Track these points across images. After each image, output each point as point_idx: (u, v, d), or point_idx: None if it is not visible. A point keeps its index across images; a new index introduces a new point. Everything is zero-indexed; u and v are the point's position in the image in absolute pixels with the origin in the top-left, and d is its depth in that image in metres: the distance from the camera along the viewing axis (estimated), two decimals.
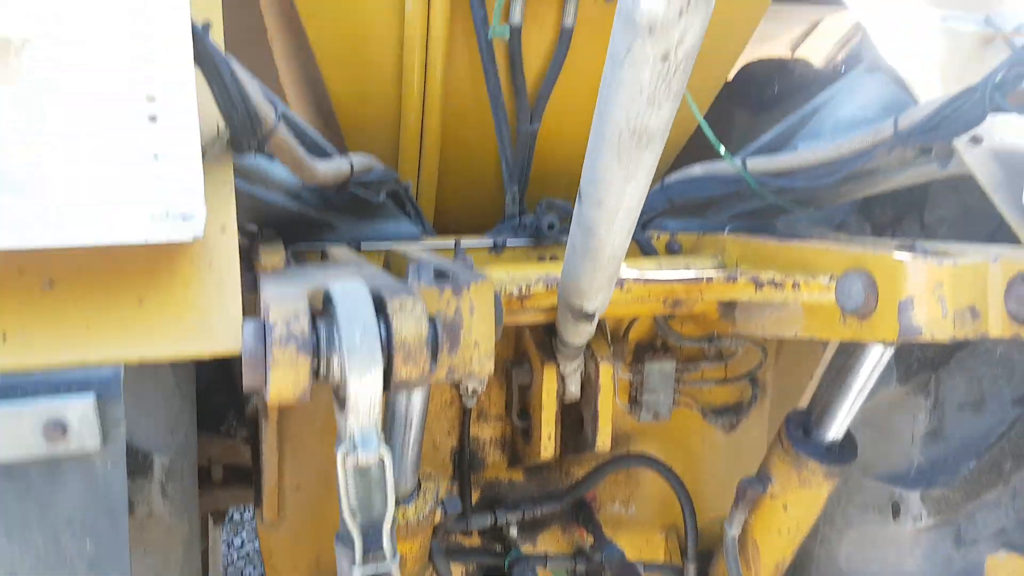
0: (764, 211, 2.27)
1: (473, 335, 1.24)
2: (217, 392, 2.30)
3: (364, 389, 1.04)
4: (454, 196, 2.40)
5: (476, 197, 2.41)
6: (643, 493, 2.51)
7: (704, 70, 2.31)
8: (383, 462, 1.07)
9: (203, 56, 1.19)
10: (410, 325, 1.07)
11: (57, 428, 1.06)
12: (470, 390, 2.10)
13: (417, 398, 1.56)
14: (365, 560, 1.10)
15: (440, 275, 1.34)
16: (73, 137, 1.12)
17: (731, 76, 3.01)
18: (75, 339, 1.12)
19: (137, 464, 1.50)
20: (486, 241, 2.11)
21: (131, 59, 1.15)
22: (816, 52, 3.77)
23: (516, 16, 2.01)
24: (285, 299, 1.07)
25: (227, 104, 1.28)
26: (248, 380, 1.04)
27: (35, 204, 1.14)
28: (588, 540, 2.38)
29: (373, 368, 1.03)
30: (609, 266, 1.42)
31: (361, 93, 2.17)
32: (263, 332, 1.04)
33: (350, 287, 1.09)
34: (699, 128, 2.49)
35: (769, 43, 3.63)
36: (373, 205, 2.00)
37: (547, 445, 2.05)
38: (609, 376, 2.04)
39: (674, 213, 2.28)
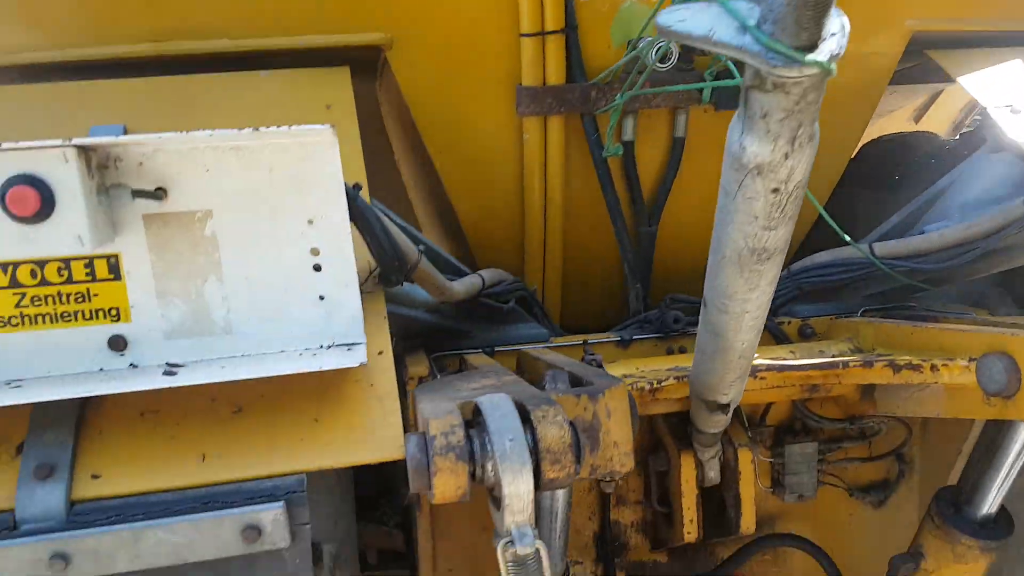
0: (896, 292, 2.26)
1: (612, 436, 1.34)
2: (369, 484, 2.47)
3: (517, 490, 1.16)
4: (578, 297, 2.53)
5: (599, 296, 2.54)
6: (792, 570, 2.49)
7: (826, 153, 2.36)
8: (539, 553, 1.17)
9: (356, 212, 1.39)
10: (553, 431, 1.19)
11: (253, 532, 1.23)
12: (608, 476, 2.16)
13: (561, 491, 1.65)
14: None
15: (576, 381, 1.45)
16: (254, 288, 1.36)
17: (855, 153, 3.02)
18: (263, 455, 1.31)
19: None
20: (613, 337, 2.21)
21: (297, 220, 1.36)
22: (939, 123, 3.70)
23: (628, 133, 2.17)
24: (441, 413, 1.21)
25: (378, 250, 1.50)
26: (414, 485, 1.19)
27: (226, 345, 1.36)
28: None
29: (523, 472, 1.15)
30: (739, 364, 1.49)
31: (486, 211, 2.36)
32: (424, 443, 1.18)
33: (497, 400, 1.22)
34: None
35: (890, 117, 3.60)
36: (503, 312, 2.17)
37: (690, 528, 2.09)
38: (748, 461, 2.07)
39: (803, 299, 2.31)
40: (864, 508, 2.45)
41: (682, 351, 2.23)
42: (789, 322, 2.27)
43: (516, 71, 2.08)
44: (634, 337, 2.21)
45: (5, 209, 1.17)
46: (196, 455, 1.29)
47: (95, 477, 1.25)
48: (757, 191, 1.07)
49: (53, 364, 1.32)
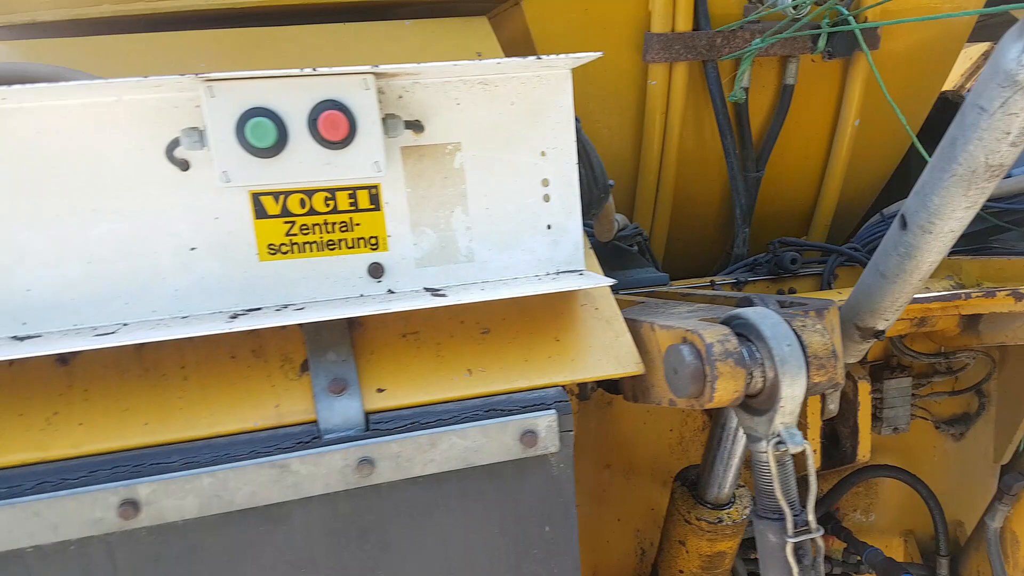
0: (976, 234, 2.43)
1: (836, 350, 1.45)
2: None
3: (792, 392, 1.26)
4: (679, 244, 2.64)
5: (698, 243, 2.65)
6: (882, 501, 2.66)
7: (908, 108, 2.50)
8: (805, 452, 1.28)
9: (578, 144, 1.47)
10: (817, 339, 1.30)
11: (531, 436, 1.31)
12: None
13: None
14: (796, 532, 1.31)
15: (783, 304, 1.56)
16: (492, 218, 1.43)
17: None
18: (520, 370, 1.39)
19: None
20: (729, 279, 2.34)
21: (531, 152, 1.43)
22: None
23: (745, 80, 2.27)
24: (709, 326, 1.31)
25: (590, 181, 1.58)
26: (691, 390, 1.28)
27: (468, 272, 1.43)
28: (836, 547, 2.52)
29: (800, 375, 1.26)
30: (916, 287, 1.61)
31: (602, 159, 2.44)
32: (698, 352, 1.28)
33: (764, 312, 1.33)
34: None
35: None
36: (624, 256, 2.26)
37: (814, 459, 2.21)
38: (866, 393, 2.22)
39: None
40: (946, 440, 2.63)
41: (792, 291, 2.36)
42: None
43: (642, 18, 2.16)
44: (748, 279, 2.34)
45: (315, 133, 1.21)
46: (462, 370, 1.36)
47: (380, 391, 1.31)
48: (1022, 107, 1.19)
49: (319, 290, 1.36)
